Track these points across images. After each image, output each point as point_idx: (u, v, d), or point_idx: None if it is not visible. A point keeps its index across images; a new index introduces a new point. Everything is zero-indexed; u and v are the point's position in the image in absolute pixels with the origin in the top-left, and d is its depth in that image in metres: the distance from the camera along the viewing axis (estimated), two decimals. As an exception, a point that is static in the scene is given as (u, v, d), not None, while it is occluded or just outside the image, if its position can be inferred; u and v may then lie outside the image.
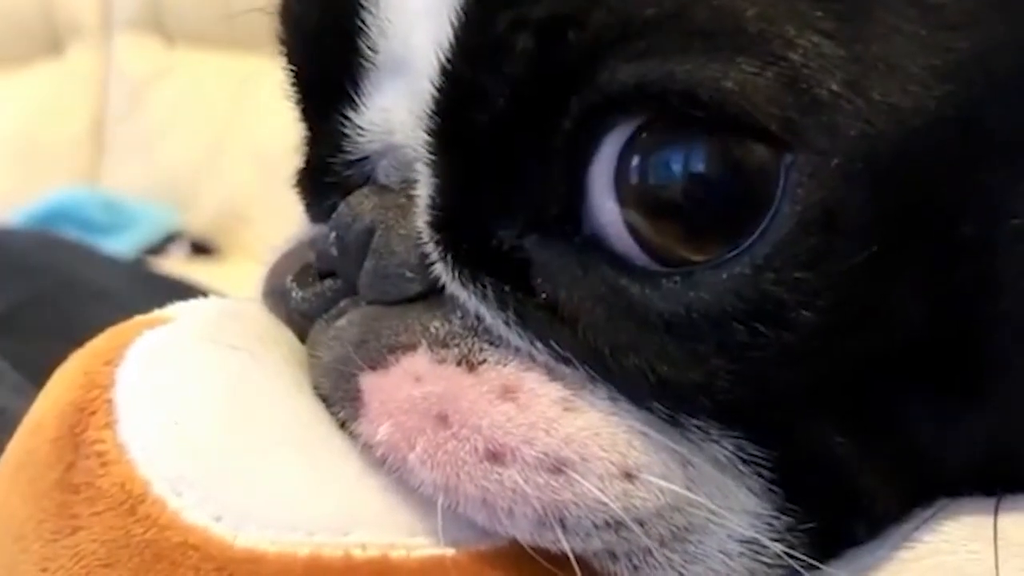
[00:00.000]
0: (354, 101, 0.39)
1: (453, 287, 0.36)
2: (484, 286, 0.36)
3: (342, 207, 0.40)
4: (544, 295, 0.35)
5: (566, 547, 0.35)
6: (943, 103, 0.33)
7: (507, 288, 0.35)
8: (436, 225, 0.36)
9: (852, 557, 0.37)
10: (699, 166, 0.33)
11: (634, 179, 0.34)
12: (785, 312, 0.33)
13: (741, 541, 0.35)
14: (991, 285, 0.34)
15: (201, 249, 1.72)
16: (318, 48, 0.41)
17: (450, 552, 0.35)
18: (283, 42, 0.43)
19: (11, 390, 0.55)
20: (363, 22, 0.38)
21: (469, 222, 0.36)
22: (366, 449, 0.37)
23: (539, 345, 0.35)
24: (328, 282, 0.41)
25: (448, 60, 0.35)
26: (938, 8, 0.33)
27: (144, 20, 1.93)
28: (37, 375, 0.58)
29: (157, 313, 0.41)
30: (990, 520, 0.35)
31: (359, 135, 0.40)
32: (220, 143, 1.83)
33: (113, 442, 0.36)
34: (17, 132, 1.93)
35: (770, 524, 0.36)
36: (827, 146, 0.32)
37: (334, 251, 0.40)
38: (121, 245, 1.46)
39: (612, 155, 0.34)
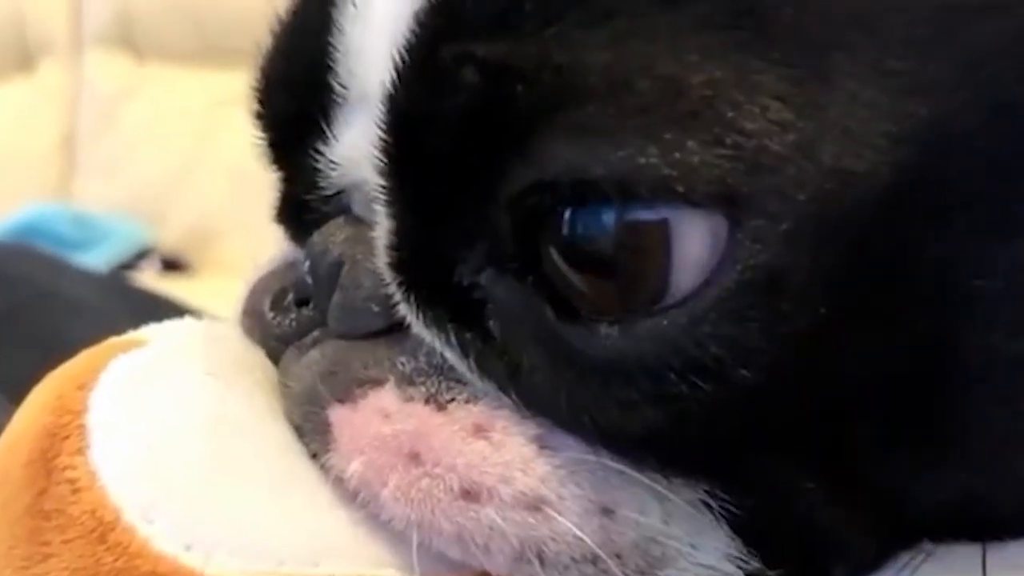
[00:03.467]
0: (326, 136, 0.39)
1: (417, 327, 0.37)
2: (446, 331, 0.36)
3: (315, 237, 0.40)
4: (497, 337, 0.35)
5: None
6: (899, 167, 0.32)
7: (468, 335, 0.35)
8: (395, 265, 0.36)
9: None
10: (634, 234, 0.33)
11: (572, 233, 0.34)
12: (722, 368, 0.33)
13: (713, 571, 0.36)
14: (953, 340, 0.34)
15: (172, 265, 1.72)
16: (292, 85, 0.41)
17: None
18: (257, 84, 0.43)
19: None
20: (333, 57, 0.38)
21: (426, 260, 0.36)
22: (337, 481, 0.37)
23: (499, 392, 0.36)
24: (304, 310, 0.41)
25: (392, 94, 0.35)
26: (898, 74, 0.33)
27: (115, 36, 1.92)
28: (13, 388, 0.58)
29: (131, 336, 0.41)
30: (974, 569, 0.36)
31: (331, 170, 0.40)
32: (191, 159, 1.82)
33: (85, 468, 0.36)
34: (-13, 148, 1.92)
35: (744, 563, 0.36)
36: (775, 210, 0.32)
37: (309, 280, 0.40)
38: (92, 261, 1.45)
39: (550, 209, 0.34)
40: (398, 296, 0.37)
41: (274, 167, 0.44)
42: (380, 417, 0.36)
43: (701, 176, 0.31)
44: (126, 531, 0.34)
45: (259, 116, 0.44)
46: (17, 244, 1.12)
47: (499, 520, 0.35)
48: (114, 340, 0.41)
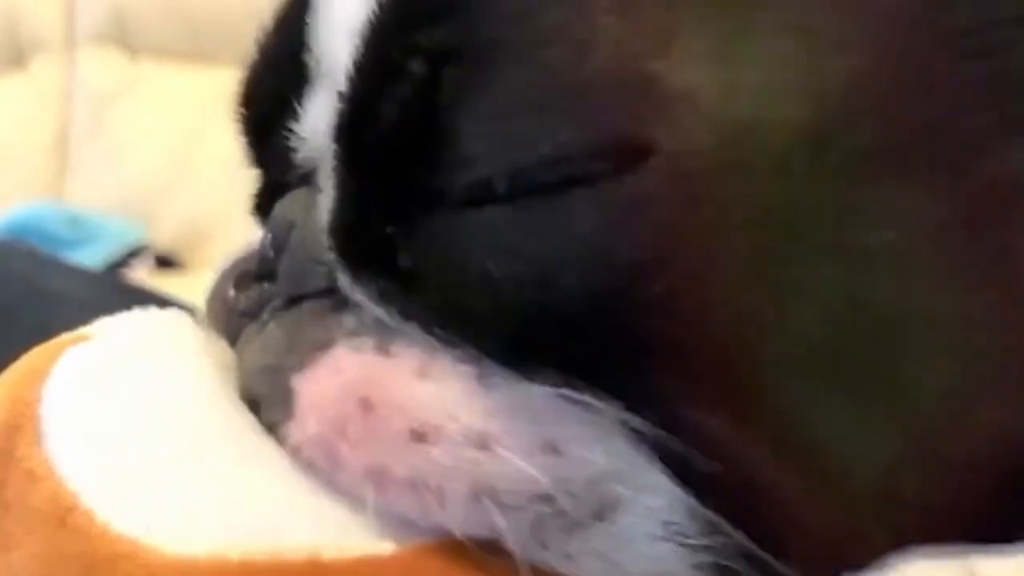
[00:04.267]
0: (297, 113, 0.41)
1: (348, 288, 0.38)
2: (370, 286, 0.37)
3: (275, 208, 0.41)
4: (405, 271, 0.36)
5: (500, 523, 0.35)
6: (812, 122, 0.33)
7: (386, 284, 0.36)
8: (332, 231, 0.38)
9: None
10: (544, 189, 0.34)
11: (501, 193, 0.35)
12: (622, 277, 0.34)
13: (664, 523, 0.35)
14: (863, 297, 0.34)
15: (166, 263, 1.72)
16: (269, 70, 0.43)
17: (385, 548, 0.36)
18: (240, 88, 0.45)
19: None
20: (308, 41, 0.40)
21: (359, 227, 0.37)
22: (294, 452, 0.37)
23: (428, 336, 0.36)
24: (265, 284, 0.41)
25: (350, 78, 0.37)
26: (818, 33, 0.34)
27: (108, 34, 1.92)
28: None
29: (82, 331, 0.41)
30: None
31: (300, 145, 0.41)
32: (185, 157, 1.82)
33: (41, 459, 0.36)
34: (-21, 146, 1.92)
35: (692, 510, 0.35)
36: (686, 157, 0.33)
37: (270, 252, 0.41)
38: (86, 259, 1.45)
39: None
40: (333, 259, 0.38)
41: (253, 160, 0.45)
42: (334, 373, 0.37)
43: (614, 137, 0.33)
44: (84, 516, 0.35)
45: (241, 117, 0.45)
46: (9, 241, 1.12)
47: (449, 459, 0.35)
48: (65, 335, 0.41)
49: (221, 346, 0.42)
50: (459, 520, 0.35)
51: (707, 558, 0.35)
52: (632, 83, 0.33)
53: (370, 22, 0.36)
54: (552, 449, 0.35)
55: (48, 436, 0.36)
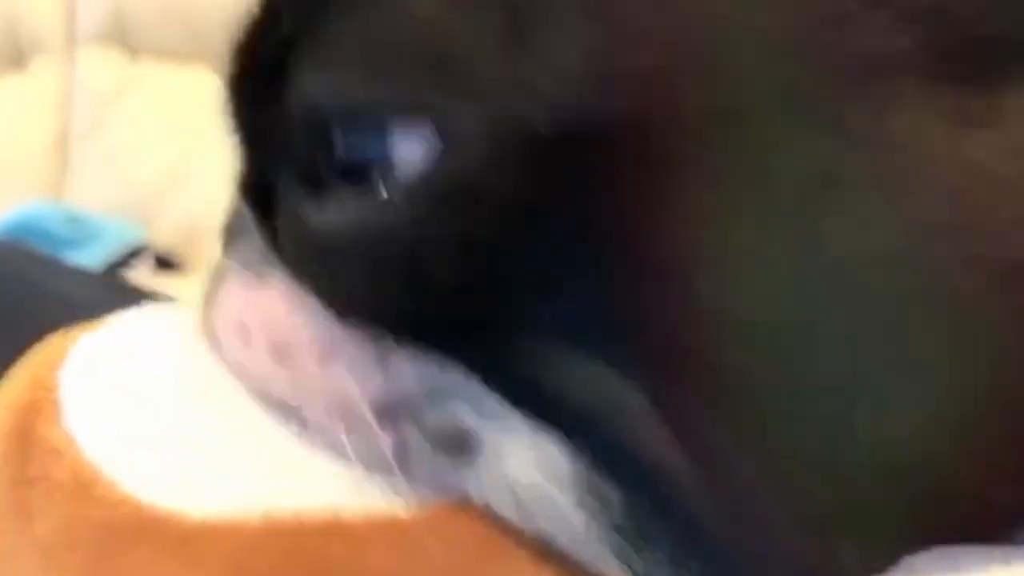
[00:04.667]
0: None
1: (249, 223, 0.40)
2: (259, 225, 0.39)
3: None
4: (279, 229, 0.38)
5: (350, 448, 0.36)
6: (590, 102, 0.33)
7: (269, 224, 0.38)
8: (240, 175, 0.41)
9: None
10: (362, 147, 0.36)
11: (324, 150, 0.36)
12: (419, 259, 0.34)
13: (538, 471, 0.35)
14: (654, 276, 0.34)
15: (166, 264, 1.72)
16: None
17: (403, 508, 0.36)
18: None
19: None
20: None
21: (251, 170, 0.40)
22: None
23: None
24: None
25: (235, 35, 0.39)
26: (610, 22, 0.34)
27: (108, 34, 1.93)
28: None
29: (101, 322, 0.43)
30: None
31: None
32: (185, 157, 1.83)
33: (62, 436, 0.37)
34: (-21, 146, 1.92)
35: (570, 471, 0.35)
36: (471, 127, 0.33)
37: None
38: (85, 259, 1.46)
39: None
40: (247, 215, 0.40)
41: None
42: (224, 305, 0.39)
43: (410, 96, 0.34)
44: (108, 485, 0.36)
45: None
46: (9, 242, 1.12)
47: (302, 377, 0.36)
48: (85, 326, 0.43)
49: None
50: (327, 439, 0.36)
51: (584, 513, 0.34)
52: (441, 59, 0.34)
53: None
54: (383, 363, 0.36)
55: (67, 414, 0.38)
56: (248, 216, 0.40)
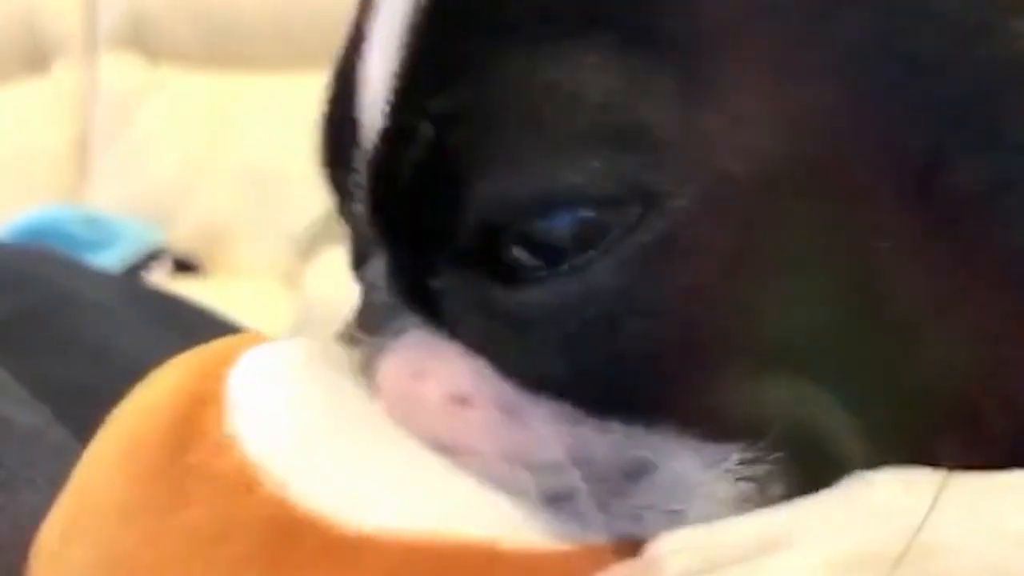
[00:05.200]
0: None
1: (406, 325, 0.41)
2: (413, 315, 0.41)
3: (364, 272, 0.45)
4: (450, 317, 0.40)
5: (531, 487, 0.37)
6: (787, 152, 0.36)
7: (425, 314, 0.40)
8: (388, 277, 0.41)
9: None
10: (558, 229, 0.37)
11: (510, 236, 0.38)
12: (621, 322, 0.37)
13: (709, 468, 0.38)
14: (878, 294, 0.37)
15: (184, 266, 1.72)
16: (341, 109, 0.45)
17: (560, 544, 0.37)
18: (320, 122, 0.47)
19: (14, 402, 0.56)
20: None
21: (405, 273, 0.41)
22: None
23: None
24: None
25: (374, 145, 0.40)
26: (784, 67, 0.37)
27: (128, 38, 1.93)
28: (33, 388, 0.59)
29: (263, 336, 0.44)
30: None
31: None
32: (204, 161, 1.83)
33: (228, 432, 0.38)
34: (0, 149, 1.93)
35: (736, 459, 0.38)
36: (672, 192, 0.36)
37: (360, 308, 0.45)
38: (104, 262, 1.46)
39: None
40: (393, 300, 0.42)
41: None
42: (396, 357, 0.41)
43: (609, 178, 0.36)
44: (271, 486, 0.36)
45: (321, 156, 0.48)
46: (35, 245, 1.12)
47: (481, 423, 0.38)
48: (248, 334, 0.44)
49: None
50: (498, 482, 0.38)
51: (750, 485, 0.38)
52: (624, 132, 0.36)
53: (390, 89, 0.39)
54: (570, 420, 0.38)
55: (235, 411, 0.38)
56: (405, 310, 0.41)
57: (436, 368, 0.40)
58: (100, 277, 0.93)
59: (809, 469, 0.38)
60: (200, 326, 0.85)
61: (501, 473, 0.38)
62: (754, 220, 0.36)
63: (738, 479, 0.37)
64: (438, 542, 0.36)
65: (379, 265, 0.42)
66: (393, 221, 0.40)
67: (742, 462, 0.37)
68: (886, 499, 0.37)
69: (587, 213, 0.37)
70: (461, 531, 0.36)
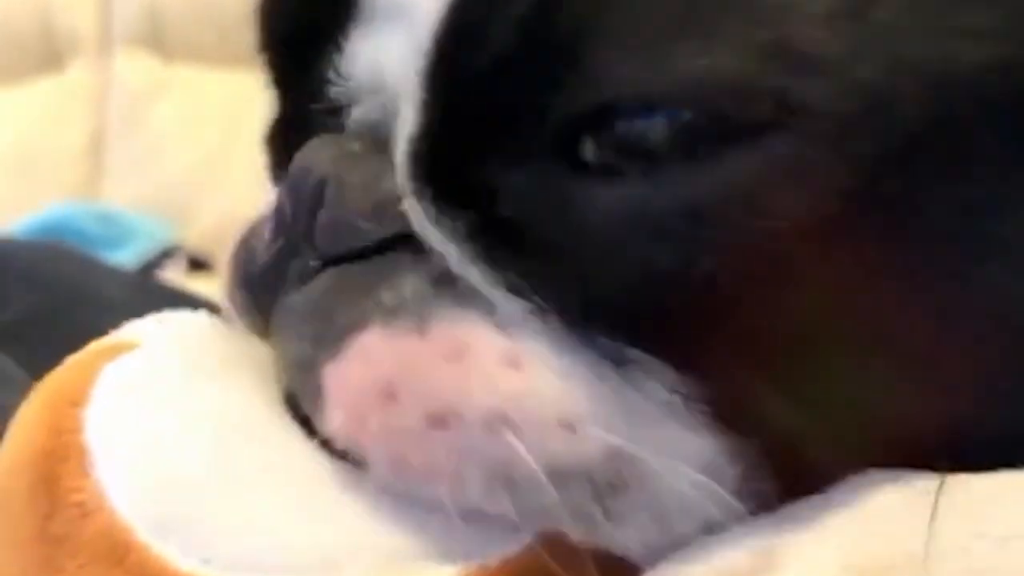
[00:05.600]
0: (339, 46, 0.39)
1: (422, 225, 0.36)
2: (454, 219, 0.36)
3: (295, 160, 0.39)
4: (507, 220, 0.35)
5: (510, 507, 0.34)
6: (939, 102, 0.34)
7: (473, 218, 0.36)
8: (412, 158, 0.36)
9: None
10: (683, 125, 0.34)
11: (619, 129, 0.34)
12: (722, 241, 0.34)
13: (693, 484, 0.35)
14: (965, 281, 0.35)
15: (199, 264, 1.72)
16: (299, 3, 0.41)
17: (448, 572, 0.35)
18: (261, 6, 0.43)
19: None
20: None
21: (449, 161, 0.36)
22: (328, 446, 0.36)
23: (495, 277, 0.35)
24: (282, 241, 0.40)
25: (450, 8, 0.35)
26: (950, 15, 0.34)
27: (143, 36, 1.93)
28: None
29: (117, 338, 0.40)
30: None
31: (341, 81, 0.39)
32: (219, 159, 1.83)
33: (91, 490, 0.35)
34: (15, 147, 1.93)
35: (721, 466, 0.36)
36: (816, 112, 0.33)
37: (288, 205, 0.39)
38: (119, 259, 1.46)
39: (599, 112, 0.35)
40: (409, 193, 0.36)
41: (275, 83, 0.44)
42: (362, 361, 0.36)
43: (749, 82, 0.33)
44: (142, 550, 0.34)
45: (264, 28, 0.43)
46: (51, 242, 1.12)
47: (464, 444, 0.34)
48: (99, 345, 0.39)
49: (254, 345, 0.40)
50: (476, 502, 0.35)
51: (741, 501, 0.36)
52: (766, 38, 0.33)
53: None
54: (569, 427, 0.35)
55: (97, 464, 0.35)
56: (434, 216, 0.36)
57: (409, 380, 0.35)
58: (116, 274, 0.93)
59: (790, 476, 0.36)
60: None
61: (471, 497, 0.35)
62: (886, 168, 0.34)
63: (724, 489, 0.36)
64: None
65: (355, 175, 0.37)
66: (461, 99, 0.36)
67: (728, 468, 0.36)
68: (883, 506, 0.35)
69: (704, 114, 0.33)
70: (338, 574, 0.34)
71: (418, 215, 0.36)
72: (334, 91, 0.40)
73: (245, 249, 0.42)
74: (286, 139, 0.43)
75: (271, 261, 0.40)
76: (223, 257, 1.60)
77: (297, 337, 0.38)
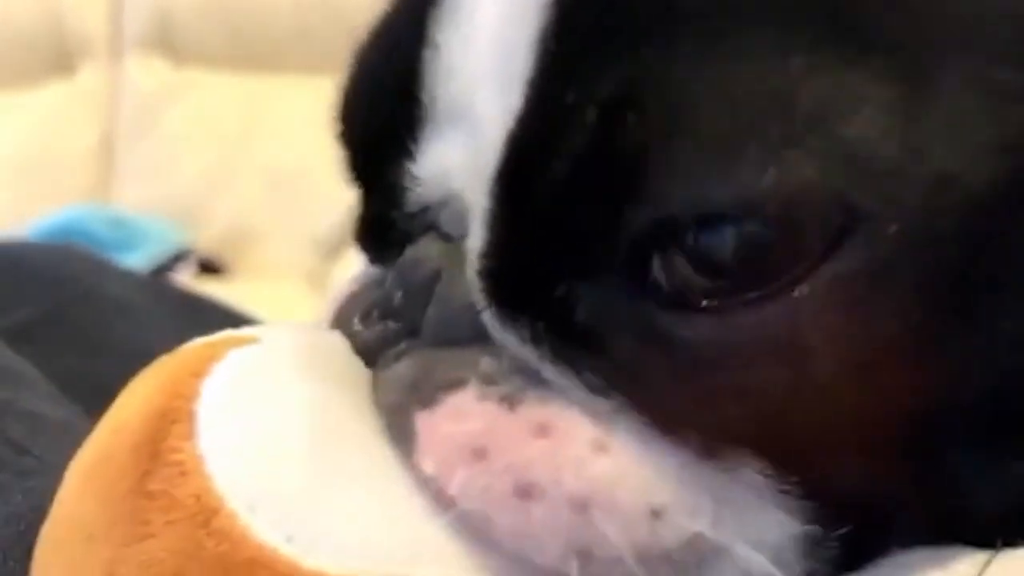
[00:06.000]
0: (411, 152, 0.40)
1: (495, 330, 0.37)
2: (523, 327, 0.37)
3: (407, 253, 0.41)
4: (582, 325, 0.36)
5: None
6: (1003, 173, 0.33)
7: (541, 325, 0.36)
8: (484, 274, 0.37)
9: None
10: (752, 238, 0.34)
11: (688, 242, 0.34)
12: (813, 358, 0.34)
13: (772, 562, 0.36)
14: None
15: (209, 267, 1.73)
16: (377, 100, 0.42)
17: None
18: (341, 101, 0.44)
19: (44, 397, 0.56)
20: (424, 73, 0.39)
21: (517, 273, 0.37)
22: (429, 488, 0.37)
23: (574, 378, 0.36)
24: (390, 323, 0.41)
25: (516, 125, 0.36)
26: (1002, 82, 0.34)
27: (154, 39, 1.94)
28: (61, 386, 0.59)
29: (243, 332, 0.41)
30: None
31: (418, 185, 0.40)
32: (229, 162, 1.84)
33: (192, 453, 0.36)
34: (27, 150, 1.94)
35: (795, 542, 0.36)
36: (884, 214, 0.33)
37: (398, 296, 0.41)
38: (130, 263, 1.47)
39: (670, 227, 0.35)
40: (481, 302, 0.38)
41: (357, 184, 0.45)
42: (454, 417, 0.37)
43: (816, 189, 0.33)
44: (229, 518, 0.35)
45: (342, 133, 0.44)
46: (63, 244, 1.13)
47: (549, 519, 0.35)
48: (228, 334, 0.41)
49: (364, 371, 0.42)
50: (558, 567, 0.36)
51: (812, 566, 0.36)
52: (826, 144, 0.33)
53: (534, 64, 0.35)
54: (654, 514, 0.35)
55: (202, 434, 0.36)
56: (503, 323, 0.37)
57: (498, 446, 0.36)
58: (127, 276, 0.94)
59: (862, 550, 0.37)
60: (225, 325, 0.85)
61: (549, 560, 0.36)
62: (960, 250, 0.33)
63: (798, 563, 0.36)
64: None
65: (455, 273, 0.39)
66: (528, 218, 0.36)
67: (803, 544, 0.36)
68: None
69: (775, 229, 0.33)
70: (411, 573, 0.35)
71: (494, 325, 0.37)
72: (410, 196, 0.41)
73: (340, 324, 0.44)
74: (377, 236, 0.44)
75: (372, 343, 0.42)
76: (234, 262, 1.60)
77: (390, 387, 0.39)
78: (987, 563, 0.35)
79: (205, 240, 1.78)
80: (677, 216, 0.34)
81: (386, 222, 0.42)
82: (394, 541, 0.35)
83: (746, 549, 0.35)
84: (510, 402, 0.37)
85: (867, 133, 0.33)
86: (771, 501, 0.36)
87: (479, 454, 0.36)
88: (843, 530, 0.36)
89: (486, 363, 0.37)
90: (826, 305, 0.33)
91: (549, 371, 0.37)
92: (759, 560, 0.36)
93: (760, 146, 0.33)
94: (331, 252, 1.46)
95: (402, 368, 0.40)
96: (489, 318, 0.38)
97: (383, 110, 0.41)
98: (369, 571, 0.35)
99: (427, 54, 0.39)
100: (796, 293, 0.33)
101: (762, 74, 0.33)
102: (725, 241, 0.34)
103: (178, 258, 1.68)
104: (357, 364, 0.42)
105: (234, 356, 0.39)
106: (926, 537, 0.37)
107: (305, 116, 1.72)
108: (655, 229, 0.34)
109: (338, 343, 0.42)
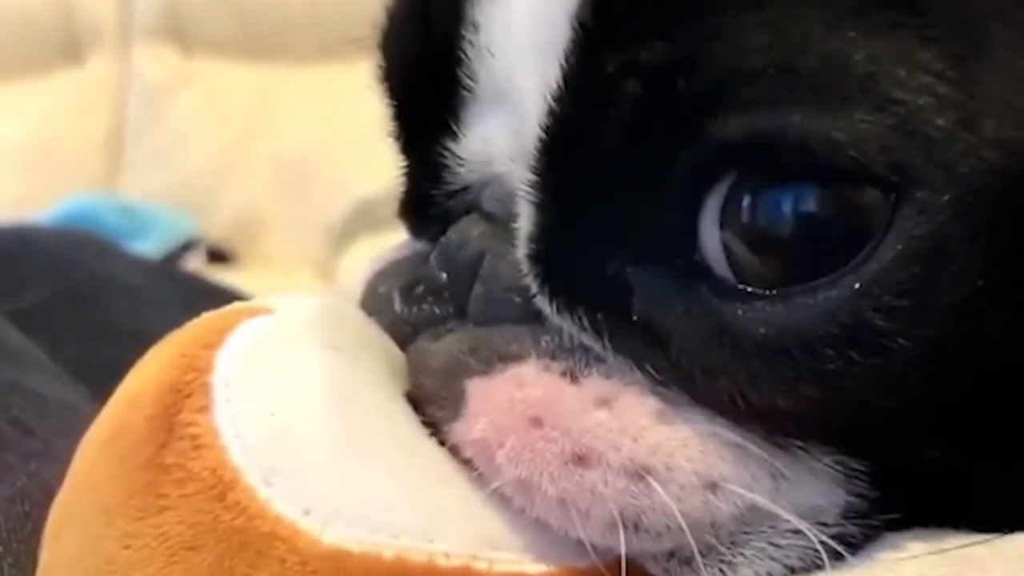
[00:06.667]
0: (454, 131, 0.40)
1: (552, 316, 0.37)
2: (580, 316, 0.36)
3: (450, 233, 0.41)
4: (640, 317, 0.36)
5: (633, 547, 0.35)
6: None
7: (600, 316, 0.36)
8: (535, 258, 0.37)
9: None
10: (808, 206, 0.34)
11: (743, 217, 0.34)
12: (881, 339, 0.33)
13: (821, 532, 0.36)
14: None
15: (218, 256, 1.73)
16: (417, 79, 0.42)
17: (531, 569, 0.36)
18: (383, 75, 0.44)
19: (52, 379, 0.56)
20: (463, 52, 0.39)
21: (569, 257, 0.37)
22: (454, 457, 0.37)
23: (635, 369, 0.36)
24: (432, 302, 0.41)
25: (556, 100, 0.35)
26: None
27: (163, 29, 1.94)
28: (71, 370, 0.59)
29: (258, 302, 0.41)
30: None
31: (460, 165, 0.40)
32: (238, 151, 1.84)
33: (208, 426, 0.36)
34: (36, 139, 1.94)
35: (840, 510, 0.36)
36: (939, 183, 0.32)
37: (442, 275, 0.41)
38: (139, 251, 1.47)
39: (721, 193, 0.34)
40: (534, 287, 0.37)
41: (402, 157, 0.45)
42: (515, 384, 0.37)
43: (872, 145, 0.32)
44: (245, 491, 0.35)
45: (390, 101, 0.44)
46: (70, 229, 1.13)
47: (602, 486, 0.35)
48: (240, 305, 0.41)
49: (383, 337, 0.42)
50: (595, 538, 0.36)
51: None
52: (880, 108, 0.32)
53: (574, 39, 0.35)
54: (711, 487, 0.35)
55: (217, 405, 0.36)
56: (560, 310, 0.37)
57: (558, 416, 0.36)
58: (136, 261, 0.94)
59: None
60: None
61: (591, 533, 0.35)
62: (1014, 223, 0.33)
63: (838, 533, 0.36)
64: (409, 561, 0.34)
65: (510, 252, 0.38)
66: (579, 197, 0.36)
67: (853, 510, 0.36)
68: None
69: (833, 202, 0.33)
70: (434, 549, 0.35)
71: (546, 306, 0.37)
72: (452, 175, 0.41)
73: (373, 299, 0.44)
74: (419, 213, 0.44)
75: (415, 321, 0.42)
76: (243, 250, 1.59)
77: (440, 352, 0.39)
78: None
79: (214, 229, 1.78)
80: (733, 186, 0.34)
81: (427, 199, 0.42)
82: (413, 513, 0.35)
83: (794, 518, 0.35)
84: (572, 376, 0.37)
85: (923, 100, 0.32)
86: (824, 474, 0.36)
87: (535, 422, 0.36)
88: (891, 501, 0.36)
89: (546, 339, 0.37)
90: (889, 285, 0.33)
91: (610, 355, 0.37)
92: (805, 527, 0.36)
93: (814, 109, 0.32)
94: (339, 241, 1.46)
95: (453, 339, 0.39)
96: (543, 302, 0.37)
97: (423, 88, 0.41)
98: (388, 544, 0.34)
99: (465, 33, 0.39)
100: (858, 275, 0.33)
101: (812, 38, 0.33)
102: (784, 216, 0.34)
103: (187, 247, 1.68)
104: (373, 333, 0.42)
105: (248, 326, 0.39)
106: (978, 513, 0.37)
107: (314, 106, 1.73)
108: (711, 200, 0.34)
109: (353, 313, 0.42)
